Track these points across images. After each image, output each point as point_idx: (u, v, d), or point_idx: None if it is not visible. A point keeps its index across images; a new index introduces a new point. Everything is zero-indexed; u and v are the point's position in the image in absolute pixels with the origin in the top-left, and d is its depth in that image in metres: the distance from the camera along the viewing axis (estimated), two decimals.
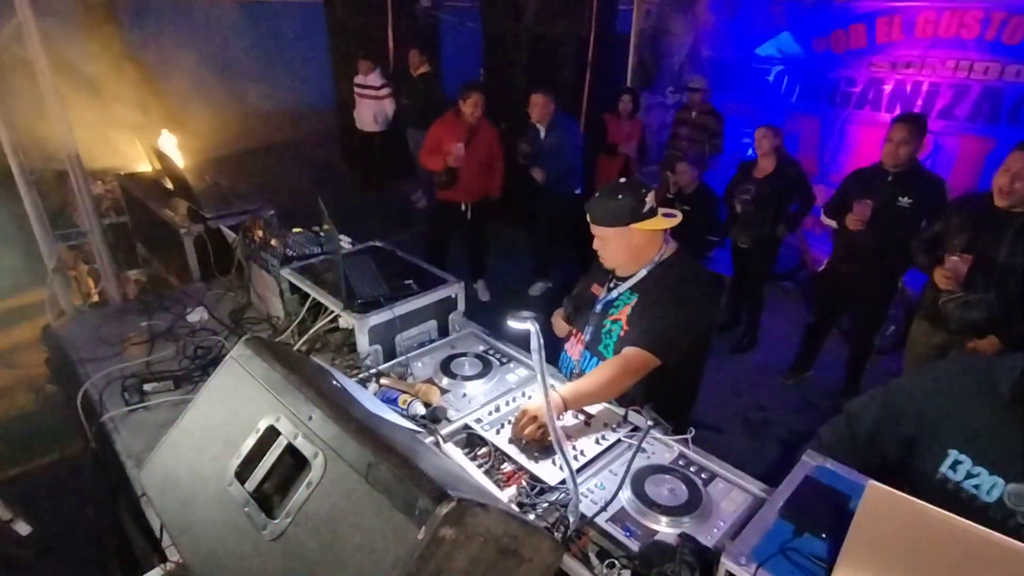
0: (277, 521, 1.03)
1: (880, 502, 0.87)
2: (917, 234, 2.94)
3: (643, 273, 1.85)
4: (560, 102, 5.57)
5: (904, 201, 3.18)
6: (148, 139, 3.75)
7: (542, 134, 4.55)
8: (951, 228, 2.66)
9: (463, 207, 4.61)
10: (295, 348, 2.06)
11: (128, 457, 1.74)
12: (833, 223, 3.57)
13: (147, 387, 2.00)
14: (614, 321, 1.88)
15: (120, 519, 1.75)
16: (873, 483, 0.89)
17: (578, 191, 4.69)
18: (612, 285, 1.93)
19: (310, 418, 1.12)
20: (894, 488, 1.30)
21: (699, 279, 1.83)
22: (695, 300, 1.79)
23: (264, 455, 1.13)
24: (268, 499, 1.11)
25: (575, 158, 4.66)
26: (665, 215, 1.79)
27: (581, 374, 1.89)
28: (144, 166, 3.83)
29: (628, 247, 1.80)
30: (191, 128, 5.20)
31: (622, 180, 1.81)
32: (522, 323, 1.32)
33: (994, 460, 1.27)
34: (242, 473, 1.14)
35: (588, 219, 1.82)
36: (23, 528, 2.24)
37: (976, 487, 1.28)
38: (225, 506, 1.12)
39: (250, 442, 1.17)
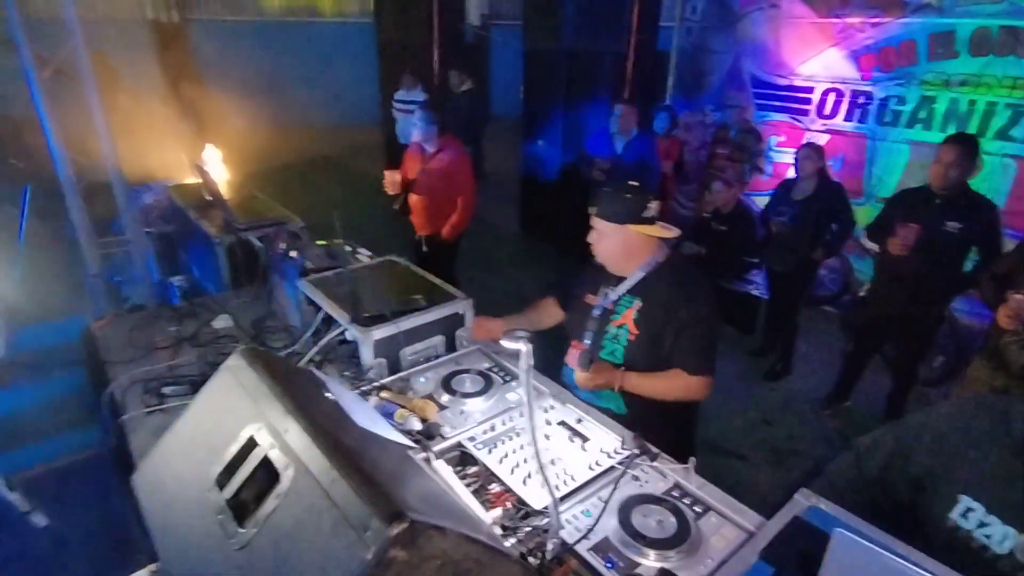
0: (244, 531, 1.05)
1: (847, 553, 0.81)
2: (988, 266, 2.76)
3: (640, 275, 1.89)
4: (600, 119, 5.58)
5: (952, 226, 3.01)
6: (194, 152, 3.95)
7: (619, 148, 4.30)
8: (1014, 262, 2.49)
9: (418, 237, 4.11)
10: (307, 358, 2.11)
11: (140, 456, 1.81)
12: (875, 247, 3.41)
13: (166, 390, 2.08)
14: (619, 326, 1.90)
15: (128, 516, 1.83)
16: (839, 531, 0.84)
17: None
18: (608, 291, 1.95)
19: (286, 431, 1.14)
20: (904, 533, 1.23)
21: (699, 281, 1.90)
22: (710, 301, 1.86)
23: (242, 464, 1.16)
24: (244, 508, 1.13)
25: (651, 176, 4.34)
26: (663, 227, 1.85)
27: None
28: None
29: (622, 246, 1.86)
30: (239, 142, 5.44)
31: (632, 183, 1.87)
32: (515, 342, 1.31)
33: (1008, 509, 1.17)
34: (222, 480, 1.16)
35: (592, 212, 1.89)
36: (40, 520, 2.36)
37: (988, 537, 1.18)
38: (202, 512, 1.14)
39: (232, 450, 1.19)
